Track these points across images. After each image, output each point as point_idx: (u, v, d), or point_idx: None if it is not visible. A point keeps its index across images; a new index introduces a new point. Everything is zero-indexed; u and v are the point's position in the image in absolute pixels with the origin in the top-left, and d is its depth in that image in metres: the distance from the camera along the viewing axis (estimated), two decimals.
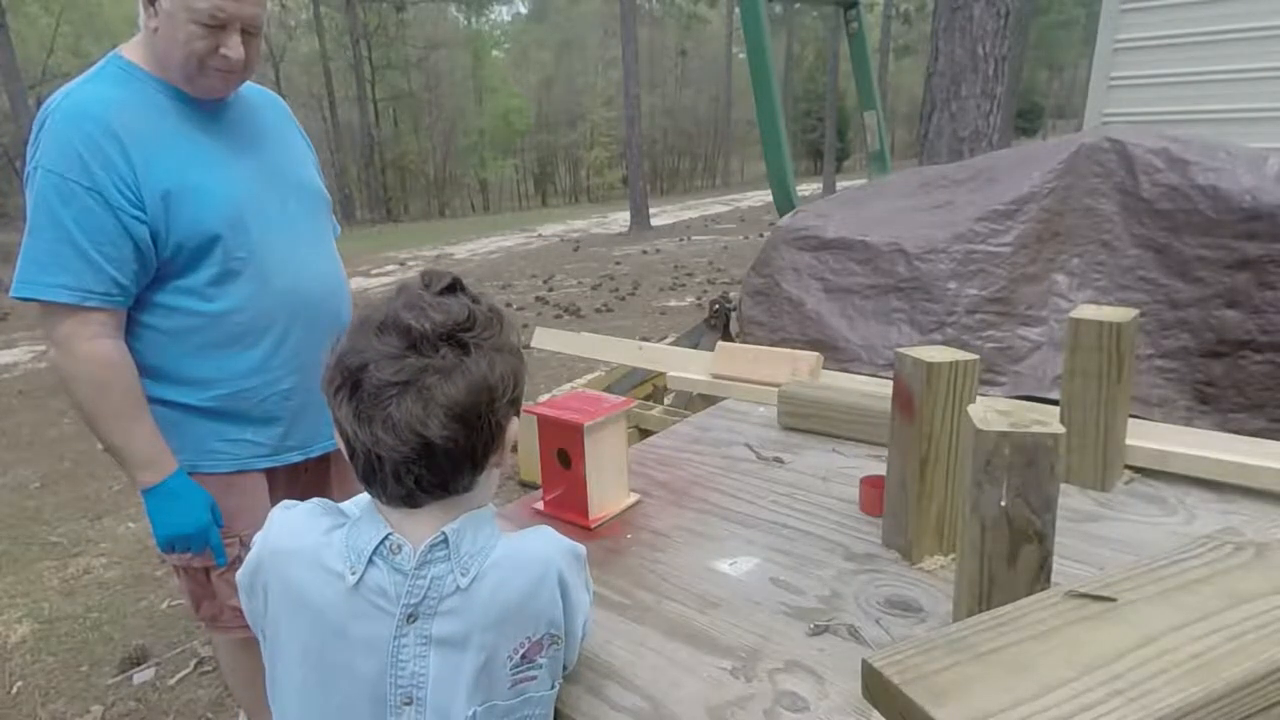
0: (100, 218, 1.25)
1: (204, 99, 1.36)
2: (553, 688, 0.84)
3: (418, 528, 0.80)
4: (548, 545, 0.83)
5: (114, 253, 1.27)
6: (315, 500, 0.88)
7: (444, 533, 0.79)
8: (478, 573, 0.78)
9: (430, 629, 0.78)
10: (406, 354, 0.75)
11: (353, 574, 0.78)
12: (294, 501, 0.89)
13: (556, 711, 0.86)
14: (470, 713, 0.78)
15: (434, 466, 0.76)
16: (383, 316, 0.78)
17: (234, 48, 1.28)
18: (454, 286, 0.82)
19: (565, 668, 0.87)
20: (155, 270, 1.33)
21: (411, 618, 0.78)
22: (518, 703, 0.80)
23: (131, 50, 1.35)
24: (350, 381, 0.76)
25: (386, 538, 0.80)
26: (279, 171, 1.47)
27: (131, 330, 1.35)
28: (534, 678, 0.81)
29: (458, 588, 0.78)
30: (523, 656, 0.79)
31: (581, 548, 0.87)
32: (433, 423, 0.74)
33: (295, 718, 0.82)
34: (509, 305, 8.47)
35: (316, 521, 0.84)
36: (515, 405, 0.83)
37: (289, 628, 0.82)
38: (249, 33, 1.30)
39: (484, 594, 0.78)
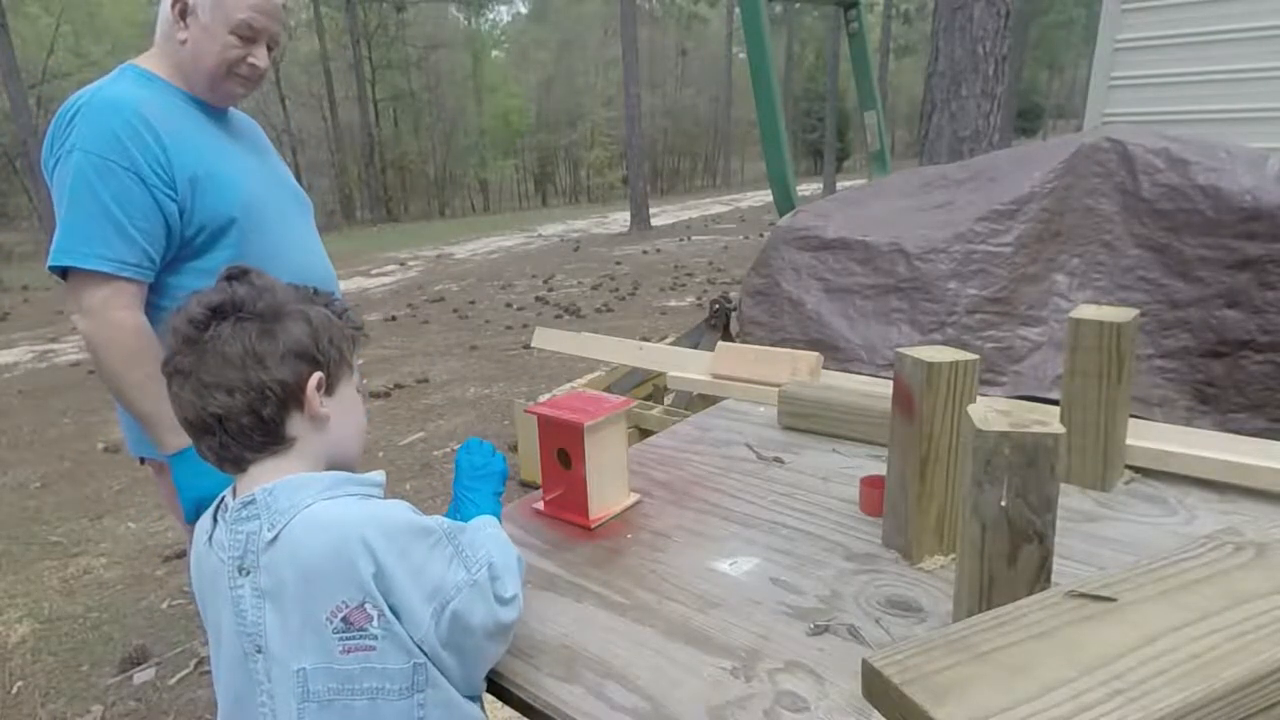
0: (136, 194, 1.33)
1: (215, 106, 1.50)
2: (412, 665, 0.83)
3: (249, 488, 0.87)
4: (354, 512, 0.85)
5: (147, 226, 1.35)
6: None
7: (254, 494, 0.86)
8: (281, 529, 0.83)
9: (260, 582, 0.83)
10: (181, 344, 0.86)
11: (206, 534, 0.91)
12: None
13: (557, 710, 0.86)
14: (299, 667, 0.82)
15: (224, 436, 0.86)
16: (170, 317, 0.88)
17: (261, 57, 1.46)
18: (230, 276, 0.90)
19: (465, 653, 0.86)
20: (176, 249, 1.41)
21: (242, 569, 0.85)
22: (358, 670, 0.82)
23: (147, 61, 1.46)
24: (167, 373, 0.88)
25: (223, 498, 0.91)
26: (277, 174, 1.62)
27: (146, 313, 1.41)
28: (370, 647, 0.82)
29: (266, 542, 0.83)
30: (344, 620, 0.81)
31: (421, 520, 0.86)
32: (208, 399, 0.84)
33: (220, 679, 0.92)
34: (509, 305, 8.48)
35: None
36: (304, 358, 0.88)
37: (199, 601, 0.95)
38: (269, 47, 1.49)
39: (285, 550, 0.83)
